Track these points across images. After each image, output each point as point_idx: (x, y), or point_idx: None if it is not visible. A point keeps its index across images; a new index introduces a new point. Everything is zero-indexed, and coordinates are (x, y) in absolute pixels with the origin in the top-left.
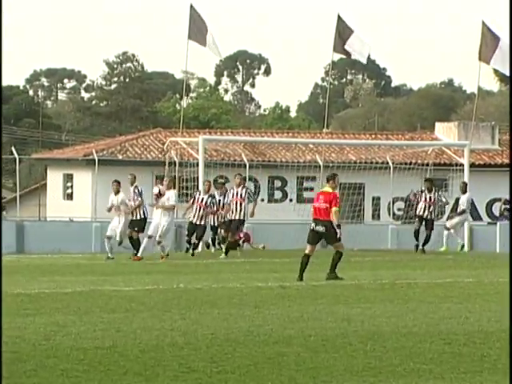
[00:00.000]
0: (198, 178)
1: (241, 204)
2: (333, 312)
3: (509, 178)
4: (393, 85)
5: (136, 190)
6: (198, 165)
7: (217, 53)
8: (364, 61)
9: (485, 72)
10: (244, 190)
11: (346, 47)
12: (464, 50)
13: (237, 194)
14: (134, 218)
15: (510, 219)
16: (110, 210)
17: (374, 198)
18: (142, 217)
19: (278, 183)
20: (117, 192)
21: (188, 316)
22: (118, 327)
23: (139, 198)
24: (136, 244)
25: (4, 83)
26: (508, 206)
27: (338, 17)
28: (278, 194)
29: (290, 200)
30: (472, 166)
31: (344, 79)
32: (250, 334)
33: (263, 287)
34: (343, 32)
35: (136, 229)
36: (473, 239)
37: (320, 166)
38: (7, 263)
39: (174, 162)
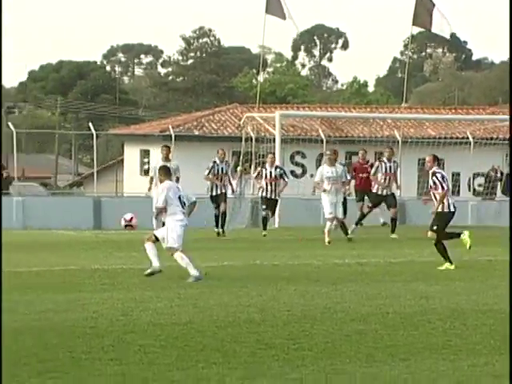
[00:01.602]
0: (274, 153)
1: (274, 184)
2: (411, 289)
3: (509, 169)
4: (474, 58)
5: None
6: (274, 140)
7: (295, 26)
8: (447, 36)
9: None
10: (277, 169)
11: (430, 22)
12: None
13: (270, 173)
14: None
15: (510, 212)
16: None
17: (453, 174)
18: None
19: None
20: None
21: (265, 292)
22: (195, 303)
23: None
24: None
25: (82, 59)
26: None
27: None
28: None
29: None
30: None
31: (423, 53)
32: (327, 311)
33: (340, 264)
34: (424, 5)
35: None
36: None
37: (398, 142)
38: (85, 239)
39: (251, 138)
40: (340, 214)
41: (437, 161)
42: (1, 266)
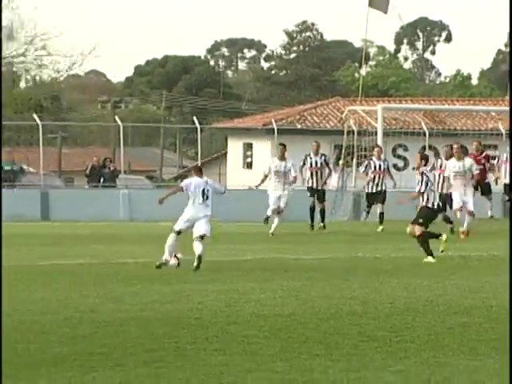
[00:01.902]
0: (380, 146)
1: (319, 173)
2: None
3: (509, 166)
4: None
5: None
6: (376, 133)
7: (400, 19)
8: None
9: None
10: (322, 157)
11: None
12: None
13: (315, 162)
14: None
15: (510, 213)
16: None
17: None
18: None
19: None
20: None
21: (367, 285)
22: (297, 295)
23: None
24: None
25: (186, 54)
26: None
27: None
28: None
29: None
30: None
31: None
32: (429, 304)
33: (443, 257)
34: None
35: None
36: None
37: (502, 134)
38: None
39: (353, 131)
40: (471, 207)
41: (425, 160)
42: (1, 265)
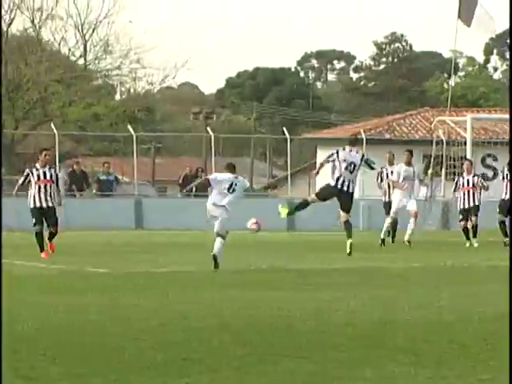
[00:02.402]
0: (465, 156)
1: (473, 193)
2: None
3: (508, 169)
4: None
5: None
6: (465, 143)
7: (486, 31)
8: None
9: None
10: (475, 177)
11: None
12: None
13: (467, 182)
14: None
15: (510, 218)
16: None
17: None
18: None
19: None
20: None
21: (456, 293)
22: (385, 303)
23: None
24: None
25: (276, 65)
26: None
27: None
28: None
29: None
30: None
31: None
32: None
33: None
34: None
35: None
36: None
37: None
38: (280, 239)
39: (442, 141)
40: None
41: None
42: (1, 267)
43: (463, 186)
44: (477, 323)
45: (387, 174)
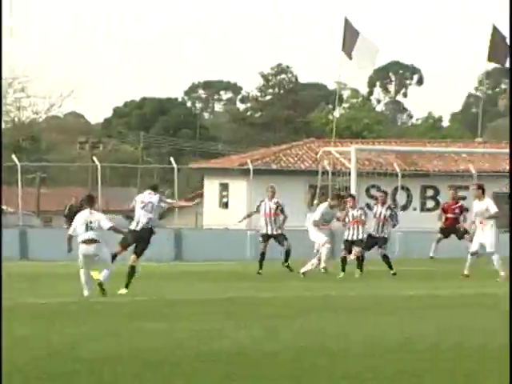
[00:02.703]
0: (350, 186)
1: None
2: (485, 321)
3: (509, 183)
4: None
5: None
6: (350, 174)
7: (363, 66)
8: None
9: None
10: (388, 210)
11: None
12: None
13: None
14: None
15: (510, 227)
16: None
17: None
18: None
19: (430, 192)
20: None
21: (341, 322)
22: (273, 333)
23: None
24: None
25: (164, 95)
26: None
27: (493, 26)
28: (430, 203)
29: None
30: None
31: (498, 88)
32: (404, 342)
33: (415, 295)
34: (498, 41)
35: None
36: None
37: (473, 176)
38: (166, 270)
39: (327, 172)
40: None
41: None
42: (1, 273)
43: (375, 216)
44: (359, 353)
45: (265, 208)
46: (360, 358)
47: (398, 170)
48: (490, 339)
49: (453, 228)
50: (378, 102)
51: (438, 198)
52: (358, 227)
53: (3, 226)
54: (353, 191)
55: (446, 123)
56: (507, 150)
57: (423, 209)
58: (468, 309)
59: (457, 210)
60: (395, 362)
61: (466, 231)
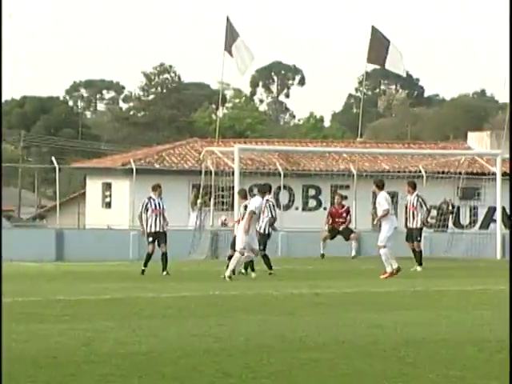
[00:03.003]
0: (233, 186)
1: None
2: (366, 319)
3: (509, 186)
4: (425, 95)
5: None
6: (233, 174)
7: (242, 67)
8: (401, 73)
9: None
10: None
11: (385, 61)
12: (496, 58)
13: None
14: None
15: (510, 227)
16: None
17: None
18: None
19: (312, 192)
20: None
21: (223, 322)
22: (155, 333)
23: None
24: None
25: (45, 94)
26: None
27: (373, 27)
28: (312, 203)
29: (324, 208)
30: (504, 174)
31: (377, 89)
32: (284, 341)
33: (297, 294)
34: (378, 42)
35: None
36: (505, 247)
37: (354, 175)
38: (47, 270)
39: (210, 171)
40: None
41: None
42: (1, 267)
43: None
44: (241, 353)
45: (156, 205)
46: (241, 357)
47: (280, 169)
48: (372, 335)
49: (340, 230)
50: (261, 101)
51: (319, 197)
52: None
53: None
54: (236, 190)
55: (327, 123)
56: (386, 150)
57: (305, 208)
58: (348, 307)
59: (344, 214)
60: (275, 360)
61: (351, 231)
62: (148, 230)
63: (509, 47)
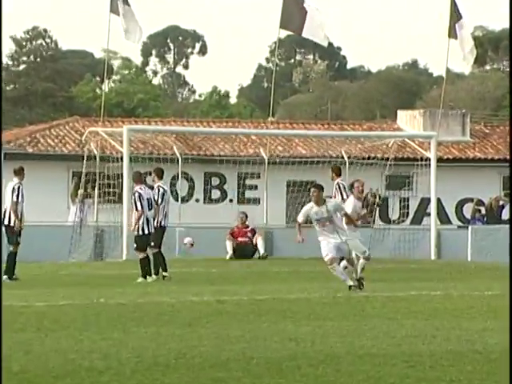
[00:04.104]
0: (122, 174)
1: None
2: (278, 330)
3: (509, 175)
4: (348, 66)
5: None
6: (122, 159)
7: (129, 38)
8: (323, 42)
9: (454, 51)
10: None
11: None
12: (430, 26)
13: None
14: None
15: (510, 222)
16: None
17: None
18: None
19: (215, 181)
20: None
21: (109, 336)
22: (28, 349)
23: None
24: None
25: None
26: (481, 208)
27: None
28: (215, 194)
29: (230, 200)
30: (440, 160)
31: (292, 60)
32: (182, 357)
33: (197, 302)
34: (293, 5)
35: None
36: (441, 245)
37: (264, 161)
38: None
39: (94, 156)
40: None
41: None
42: (1, 276)
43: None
44: (131, 372)
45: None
46: (131, 376)
47: (177, 154)
48: (287, 349)
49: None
50: (155, 73)
51: (224, 187)
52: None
53: None
54: (125, 179)
55: (233, 99)
56: (302, 132)
57: (207, 200)
58: (259, 316)
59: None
60: (171, 381)
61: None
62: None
63: (509, 45)
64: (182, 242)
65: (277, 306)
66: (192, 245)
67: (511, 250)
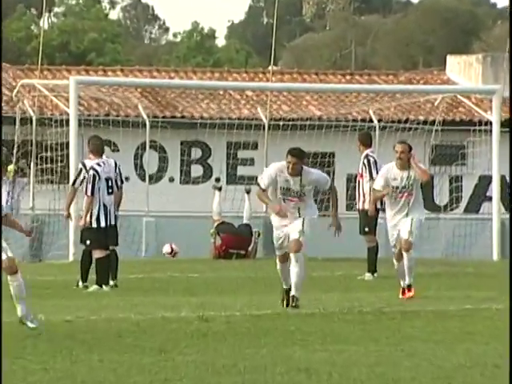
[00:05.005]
0: (67, 143)
1: None
2: (283, 358)
3: (509, 168)
4: None
5: None
6: (67, 123)
7: None
8: None
9: None
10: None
11: None
12: None
13: None
14: None
15: (510, 214)
16: None
17: (349, 178)
18: None
19: (196, 153)
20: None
21: (51, 366)
22: None
23: None
24: None
25: None
26: None
27: None
28: (196, 170)
29: (217, 179)
30: (505, 124)
31: None
32: None
33: (173, 319)
34: None
35: None
36: (505, 241)
37: (264, 126)
38: None
39: (30, 119)
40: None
41: None
42: (1, 275)
43: None
44: None
45: None
46: None
47: (144, 115)
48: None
49: None
50: (113, 4)
51: (208, 161)
52: None
53: None
54: (72, 150)
55: (221, 41)
56: (316, 86)
57: (185, 180)
58: (258, 338)
59: None
60: None
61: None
62: None
63: (509, 42)
64: (150, 239)
65: (281, 324)
66: (175, 254)
67: (511, 249)
